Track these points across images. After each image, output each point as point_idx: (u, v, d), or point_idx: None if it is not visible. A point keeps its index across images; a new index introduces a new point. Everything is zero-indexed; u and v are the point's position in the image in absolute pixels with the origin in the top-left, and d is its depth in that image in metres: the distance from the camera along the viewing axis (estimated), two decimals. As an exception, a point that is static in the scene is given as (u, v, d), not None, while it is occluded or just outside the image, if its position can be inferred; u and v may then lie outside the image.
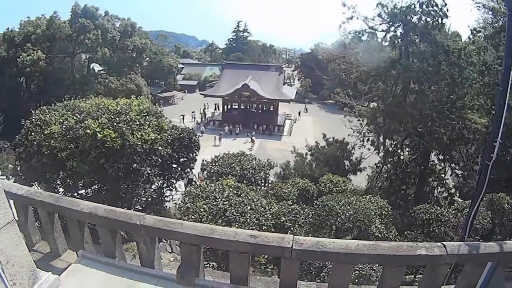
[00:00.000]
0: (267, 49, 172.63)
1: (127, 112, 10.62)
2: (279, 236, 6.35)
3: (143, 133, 10.36)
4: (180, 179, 15.64)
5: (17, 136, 11.96)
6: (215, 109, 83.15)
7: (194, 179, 31.60)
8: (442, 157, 29.09)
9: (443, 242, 6.19)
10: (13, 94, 51.73)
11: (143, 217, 6.72)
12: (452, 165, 29.01)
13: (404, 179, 27.85)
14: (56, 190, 11.23)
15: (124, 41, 65.24)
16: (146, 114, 11.24)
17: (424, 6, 24.77)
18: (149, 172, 11.67)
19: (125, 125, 10.09)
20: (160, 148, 11.31)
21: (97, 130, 9.76)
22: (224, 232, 6.34)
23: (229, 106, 76.62)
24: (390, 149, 28.61)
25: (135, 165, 10.70)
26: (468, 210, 12.60)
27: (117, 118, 10.28)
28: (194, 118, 75.56)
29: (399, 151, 28.45)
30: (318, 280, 10.02)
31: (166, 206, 15.35)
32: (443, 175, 28.68)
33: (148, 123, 10.88)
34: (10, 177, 17.37)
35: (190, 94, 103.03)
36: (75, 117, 10.60)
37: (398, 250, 6.01)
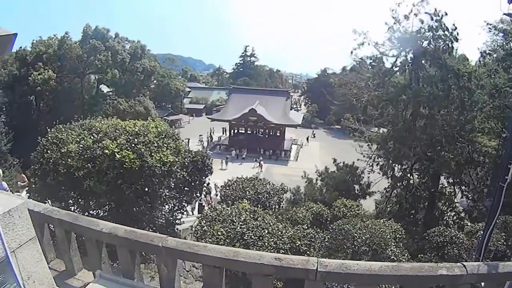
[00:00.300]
0: (273, 74, 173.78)
1: (145, 134, 10.62)
2: (304, 258, 6.31)
3: (162, 155, 10.34)
4: (190, 202, 15.58)
5: (32, 154, 11.96)
6: (223, 133, 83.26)
7: (202, 203, 31.69)
8: (452, 181, 28.96)
9: (463, 262, 6.22)
10: (24, 112, 51.96)
11: (165, 239, 6.66)
12: (462, 187, 28.90)
13: (413, 203, 27.69)
14: (69, 208, 11.18)
15: (133, 63, 65.75)
16: (164, 136, 11.24)
17: (434, 31, 24.88)
18: (167, 194, 11.67)
19: (143, 147, 10.06)
20: (178, 170, 11.32)
21: (115, 150, 9.73)
22: (248, 254, 6.29)
23: (236, 131, 77.10)
24: (400, 173, 28.45)
25: (153, 187, 10.67)
26: (482, 232, 12.59)
27: (135, 139, 10.25)
28: (201, 141, 75.58)
29: (408, 175, 28.31)
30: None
31: (177, 229, 15.27)
32: (453, 198, 28.50)
33: (166, 145, 10.86)
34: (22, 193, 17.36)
35: (196, 118, 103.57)
36: (92, 137, 10.59)
37: (420, 271, 6.02)
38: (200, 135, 77.19)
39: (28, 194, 12.75)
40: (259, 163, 61.25)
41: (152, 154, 10.15)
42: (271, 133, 76.63)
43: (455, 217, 27.60)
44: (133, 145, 10.11)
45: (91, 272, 8.02)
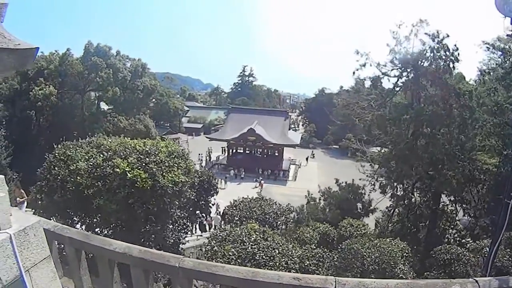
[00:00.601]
0: (271, 94, 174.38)
1: (156, 153, 10.56)
2: (322, 277, 6.25)
3: (174, 175, 10.28)
4: (195, 221, 15.55)
5: (38, 170, 11.87)
6: (222, 152, 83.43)
7: (203, 222, 31.67)
8: (453, 199, 29.04)
9: (475, 278, 6.21)
10: (24, 127, 51.90)
11: (182, 260, 6.55)
12: (463, 205, 28.99)
13: (415, 222, 27.67)
14: (75, 226, 11.07)
15: (134, 81, 65.84)
16: (174, 156, 11.19)
17: (435, 51, 25.12)
18: (178, 214, 11.61)
19: (155, 166, 9.99)
20: (188, 190, 11.27)
21: (126, 169, 9.65)
22: (267, 275, 6.19)
23: (234, 150, 77.08)
24: (402, 192, 28.52)
25: (165, 206, 10.60)
26: (488, 249, 12.55)
27: (146, 159, 10.18)
28: (201, 160, 75.43)
29: (410, 194, 28.33)
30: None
31: (181, 249, 15.18)
32: (455, 216, 28.54)
33: (176, 165, 10.80)
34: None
35: (195, 137, 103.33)
36: (102, 155, 10.52)
37: (434, 287, 5.96)
38: (199, 154, 77.18)
39: (30, 210, 12.67)
40: (260, 182, 61.24)
41: (164, 174, 10.08)
42: (269, 153, 76.69)
43: (456, 235, 27.61)
44: (144, 164, 10.03)
45: (102, 292, 7.91)
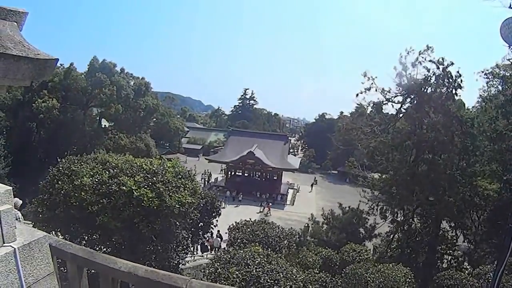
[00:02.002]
0: (272, 118, 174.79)
1: (163, 173, 10.50)
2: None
3: (181, 196, 10.21)
4: (197, 242, 15.43)
5: (41, 182, 11.75)
6: (220, 171, 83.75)
7: (204, 242, 31.57)
8: (454, 224, 29.06)
9: None
10: (24, 138, 51.93)
11: (190, 281, 6.39)
12: (464, 231, 29.02)
13: (415, 247, 27.54)
14: (74, 242, 10.94)
15: (137, 99, 66.18)
16: (181, 176, 11.13)
17: (440, 78, 25.38)
18: (184, 235, 11.52)
19: (162, 186, 9.93)
20: (194, 212, 11.19)
21: (133, 188, 9.58)
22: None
23: (233, 173, 77.12)
24: (402, 218, 28.55)
25: (171, 227, 10.51)
26: (492, 274, 12.43)
27: (153, 178, 10.11)
28: (204, 180, 75.38)
29: (410, 220, 28.31)
30: None
31: (181, 269, 15.02)
32: (455, 242, 28.50)
33: (183, 186, 10.74)
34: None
35: (193, 158, 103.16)
36: (107, 172, 10.43)
37: None
38: (202, 174, 77.10)
39: (30, 223, 12.53)
40: (267, 205, 62.01)
41: (171, 194, 10.01)
42: (268, 177, 76.88)
43: (452, 261, 27.59)
44: (151, 183, 9.95)
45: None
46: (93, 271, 8.10)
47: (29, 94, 55.02)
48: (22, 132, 52.57)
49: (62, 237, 10.66)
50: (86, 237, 11.07)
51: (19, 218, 11.57)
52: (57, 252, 7.18)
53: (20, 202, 12.28)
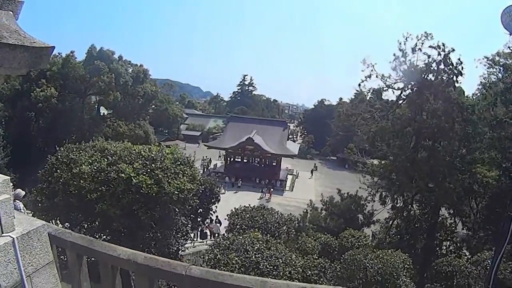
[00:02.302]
0: (271, 104, 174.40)
1: (162, 160, 10.46)
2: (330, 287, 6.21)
3: (180, 182, 10.18)
4: (196, 228, 15.45)
5: (40, 171, 11.73)
6: (218, 159, 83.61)
7: (204, 229, 31.68)
8: (452, 211, 29.14)
9: None
10: (23, 128, 51.67)
11: (189, 268, 6.41)
12: (462, 218, 29.12)
13: (414, 234, 27.63)
14: (74, 230, 10.93)
15: (135, 87, 65.69)
16: (179, 163, 11.10)
17: (440, 65, 25.30)
18: (183, 221, 11.52)
19: (161, 173, 9.89)
20: (193, 198, 11.17)
21: (132, 175, 9.54)
22: (276, 284, 6.11)
23: (232, 159, 77.03)
24: (402, 204, 28.55)
25: (170, 214, 10.50)
26: (490, 261, 12.53)
27: (152, 165, 10.06)
28: (204, 166, 75.66)
29: (409, 206, 28.35)
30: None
31: (180, 256, 15.07)
32: (453, 229, 28.62)
33: (182, 172, 10.71)
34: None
35: (192, 145, 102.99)
36: (106, 159, 10.39)
37: None
38: (202, 160, 77.32)
39: (29, 212, 12.53)
40: (269, 190, 62.56)
41: (170, 181, 9.98)
42: (267, 163, 76.80)
43: (451, 247, 27.70)
44: (149, 170, 9.92)
45: (102, 299, 7.76)
46: (93, 259, 8.09)
47: (27, 84, 54.66)
48: (21, 122, 52.39)
49: (61, 226, 10.67)
50: (86, 225, 11.09)
51: (20, 209, 11.61)
52: (57, 241, 7.18)
53: (23, 193, 12.29)
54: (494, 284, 8.13)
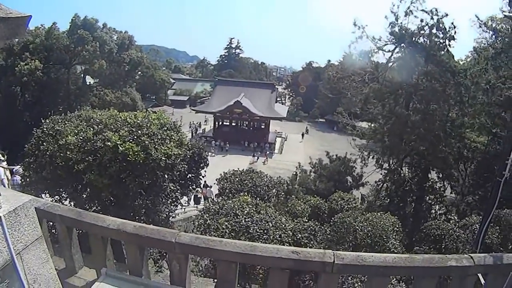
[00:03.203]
0: (258, 67, 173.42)
1: (148, 126, 10.36)
2: (320, 251, 6.30)
3: (167, 148, 10.13)
4: (186, 194, 15.44)
5: (26, 146, 11.61)
6: (204, 123, 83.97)
7: (198, 194, 31.88)
8: (442, 175, 29.43)
9: (470, 254, 6.42)
10: (8, 103, 51.28)
11: (178, 235, 6.47)
12: (451, 182, 29.46)
13: (403, 196, 27.95)
14: (63, 203, 10.90)
15: (121, 54, 65.11)
16: (166, 128, 11.01)
17: (433, 29, 25.25)
18: (172, 188, 11.48)
19: (148, 139, 9.80)
20: (182, 163, 11.13)
21: (118, 142, 9.43)
22: (265, 248, 6.21)
23: (220, 123, 76.87)
24: (392, 167, 28.75)
25: (158, 180, 10.46)
26: (478, 226, 12.74)
27: (138, 131, 9.95)
28: (192, 131, 75.89)
29: (399, 169, 28.59)
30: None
31: (171, 222, 15.12)
32: (443, 192, 28.97)
33: (169, 137, 10.63)
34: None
35: (180, 110, 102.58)
36: (92, 128, 10.26)
37: (431, 262, 6.17)
38: (191, 124, 78.05)
39: (21, 188, 12.45)
40: (265, 153, 64.53)
41: (157, 146, 9.92)
42: (255, 126, 77.10)
43: (441, 211, 28.06)
44: (136, 137, 9.82)
45: (94, 270, 7.80)
46: (83, 230, 8.10)
47: (11, 59, 53.79)
48: (6, 98, 51.97)
49: (51, 199, 10.63)
50: (75, 197, 11.03)
51: (18, 183, 11.66)
52: (46, 215, 7.19)
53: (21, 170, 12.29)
54: (482, 248, 8.28)
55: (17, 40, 53.44)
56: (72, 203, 10.94)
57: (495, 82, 24.20)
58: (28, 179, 11.10)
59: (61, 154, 9.81)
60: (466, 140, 27.71)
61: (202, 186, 32.53)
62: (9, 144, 37.32)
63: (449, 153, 26.52)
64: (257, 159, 62.25)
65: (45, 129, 11.10)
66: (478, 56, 28.22)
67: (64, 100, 57.75)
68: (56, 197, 10.91)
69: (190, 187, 14.75)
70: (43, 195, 11.18)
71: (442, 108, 25.96)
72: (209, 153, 53.84)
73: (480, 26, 28.51)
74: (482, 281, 7.05)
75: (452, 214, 27.50)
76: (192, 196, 31.35)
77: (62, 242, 7.74)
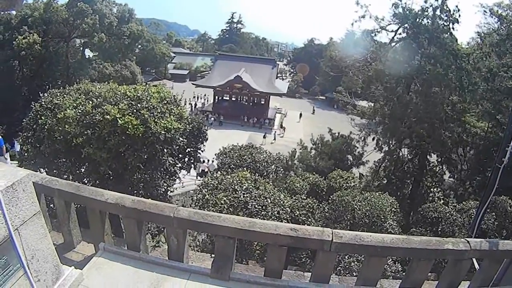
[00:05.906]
0: (259, 42, 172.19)
1: (148, 99, 10.25)
2: (319, 229, 6.31)
3: (166, 122, 10.03)
4: (186, 169, 15.39)
5: (24, 120, 11.52)
6: (204, 96, 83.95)
7: (204, 169, 31.97)
8: (441, 159, 29.41)
9: (467, 239, 6.49)
10: (6, 78, 50.41)
11: (177, 209, 6.47)
12: (450, 167, 29.44)
13: (401, 178, 27.99)
14: (62, 177, 10.82)
15: (120, 27, 64.20)
16: (166, 102, 10.91)
17: (437, 11, 25.05)
18: (170, 162, 11.41)
19: (147, 112, 9.69)
20: (181, 138, 11.04)
21: (117, 116, 9.33)
22: (264, 225, 6.22)
23: (220, 97, 76.50)
24: (392, 147, 28.73)
25: (157, 154, 10.40)
26: (475, 210, 12.79)
27: (138, 105, 9.81)
28: (191, 105, 75.58)
29: (398, 150, 28.57)
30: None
31: (169, 197, 15.09)
32: (441, 176, 28.97)
33: (169, 111, 10.52)
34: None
35: (180, 84, 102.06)
36: (91, 102, 10.14)
37: (428, 244, 6.26)
38: (193, 97, 78.26)
39: (16, 162, 12.41)
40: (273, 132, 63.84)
41: (156, 120, 9.82)
42: (255, 101, 76.67)
43: (439, 194, 28.08)
44: (135, 110, 9.71)
45: (92, 245, 7.83)
46: (81, 205, 8.07)
47: (8, 32, 53.13)
48: (4, 73, 51.06)
49: (49, 174, 10.58)
50: (73, 171, 10.98)
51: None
52: (44, 190, 7.15)
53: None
54: (477, 233, 8.32)
55: (14, 13, 53.18)
56: (70, 177, 10.88)
57: (497, 70, 24.07)
58: (26, 154, 11.05)
59: (60, 128, 9.75)
60: (466, 124, 27.61)
61: (210, 160, 32.75)
62: (8, 119, 37.20)
63: (449, 137, 26.49)
64: (266, 138, 60.89)
65: (43, 103, 11.06)
66: (481, 41, 27.93)
67: (62, 73, 57.10)
68: (55, 171, 10.82)
69: (192, 162, 14.71)
70: (40, 170, 11.11)
71: (443, 91, 25.86)
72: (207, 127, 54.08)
73: (485, 12, 28.29)
74: (477, 266, 7.10)
75: (450, 198, 27.53)
76: (200, 170, 31.45)
77: (60, 217, 7.72)
